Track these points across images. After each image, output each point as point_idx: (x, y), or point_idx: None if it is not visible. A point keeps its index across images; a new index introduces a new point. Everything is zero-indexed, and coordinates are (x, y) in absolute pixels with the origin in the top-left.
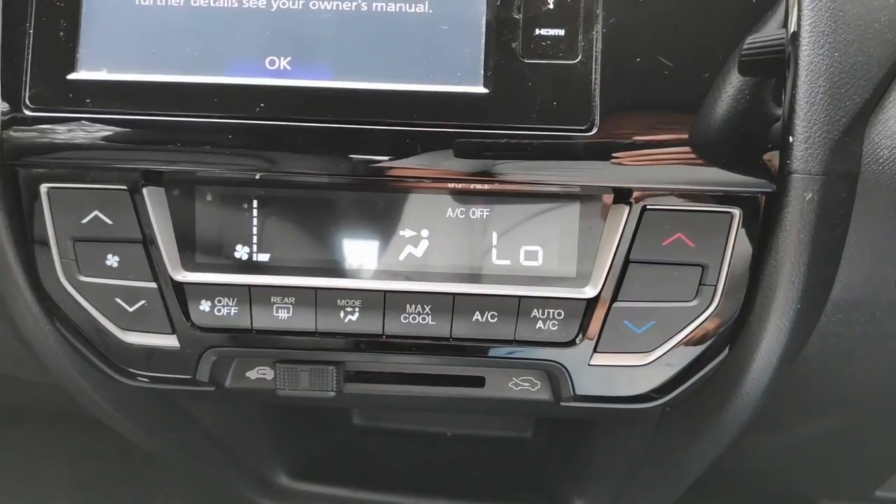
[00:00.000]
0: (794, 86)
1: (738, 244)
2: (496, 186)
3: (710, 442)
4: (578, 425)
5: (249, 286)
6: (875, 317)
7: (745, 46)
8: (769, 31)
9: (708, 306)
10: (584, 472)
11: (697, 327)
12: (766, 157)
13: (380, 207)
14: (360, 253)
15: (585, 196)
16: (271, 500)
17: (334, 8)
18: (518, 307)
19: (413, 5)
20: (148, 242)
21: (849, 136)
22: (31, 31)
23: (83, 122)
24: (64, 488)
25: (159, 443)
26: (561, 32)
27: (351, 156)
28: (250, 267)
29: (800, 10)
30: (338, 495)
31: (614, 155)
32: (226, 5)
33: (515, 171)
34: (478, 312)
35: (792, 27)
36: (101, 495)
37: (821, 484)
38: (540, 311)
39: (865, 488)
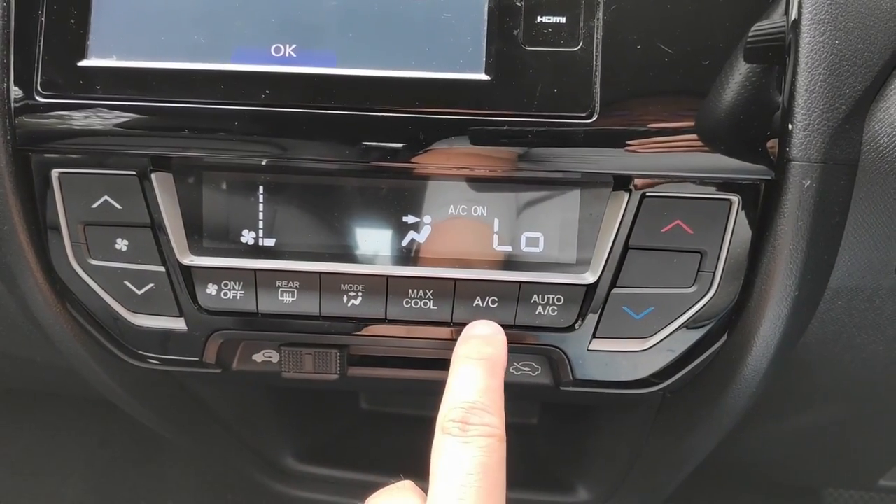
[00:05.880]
0: (794, 73)
1: (736, 231)
2: (497, 173)
3: (710, 428)
4: (582, 412)
5: (255, 270)
6: (875, 304)
7: (745, 34)
8: (770, 19)
9: (706, 293)
10: (586, 458)
11: (696, 313)
12: (765, 144)
13: (382, 194)
14: (363, 238)
15: (586, 183)
16: (279, 483)
17: None
18: (518, 293)
19: None
20: (156, 227)
21: (848, 124)
22: (43, 19)
23: (93, 108)
24: (79, 470)
25: (169, 425)
26: (562, 20)
27: (353, 142)
28: (256, 252)
29: None
30: (345, 478)
31: (614, 142)
32: None
33: (516, 158)
34: (479, 298)
35: (793, 15)
36: (114, 477)
37: (824, 473)
38: (540, 296)
39: (869, 478)
